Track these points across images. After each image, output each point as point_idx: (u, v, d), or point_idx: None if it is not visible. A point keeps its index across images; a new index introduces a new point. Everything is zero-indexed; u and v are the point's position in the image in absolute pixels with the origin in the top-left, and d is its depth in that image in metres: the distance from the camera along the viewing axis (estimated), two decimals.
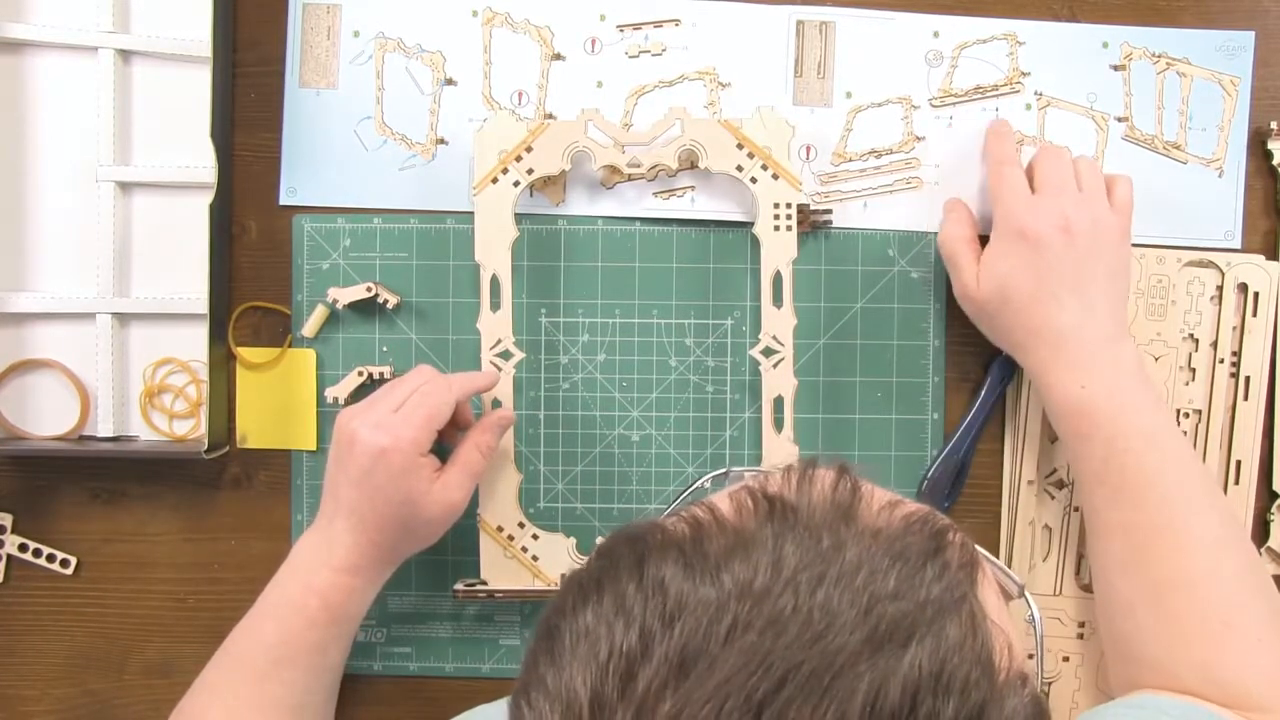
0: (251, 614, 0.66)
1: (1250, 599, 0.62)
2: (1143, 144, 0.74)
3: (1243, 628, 0.60)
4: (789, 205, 0.70)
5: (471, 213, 0.71)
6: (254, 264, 0.74)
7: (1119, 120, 0.73)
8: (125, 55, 0.73)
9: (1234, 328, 0.72)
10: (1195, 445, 0.72)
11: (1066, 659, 0.73)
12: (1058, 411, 0.66)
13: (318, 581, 0.64)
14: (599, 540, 0.40)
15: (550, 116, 0.73)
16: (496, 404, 0.71)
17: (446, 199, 0.74)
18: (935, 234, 0.73)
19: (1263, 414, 0.72)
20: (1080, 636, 0.73)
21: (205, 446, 0.70)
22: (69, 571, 0.74)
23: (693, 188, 0.73)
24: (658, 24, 0.73)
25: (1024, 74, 0.73)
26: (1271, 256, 0.73)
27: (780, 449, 0.71)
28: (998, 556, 0.74)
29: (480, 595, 0.71)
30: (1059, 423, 0.67)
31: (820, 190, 0.74)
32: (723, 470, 0.60)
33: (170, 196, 0.73)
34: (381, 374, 0.73)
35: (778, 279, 0.71)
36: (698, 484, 0.58)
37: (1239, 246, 0.73)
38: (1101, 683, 0.72)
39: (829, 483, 0.40)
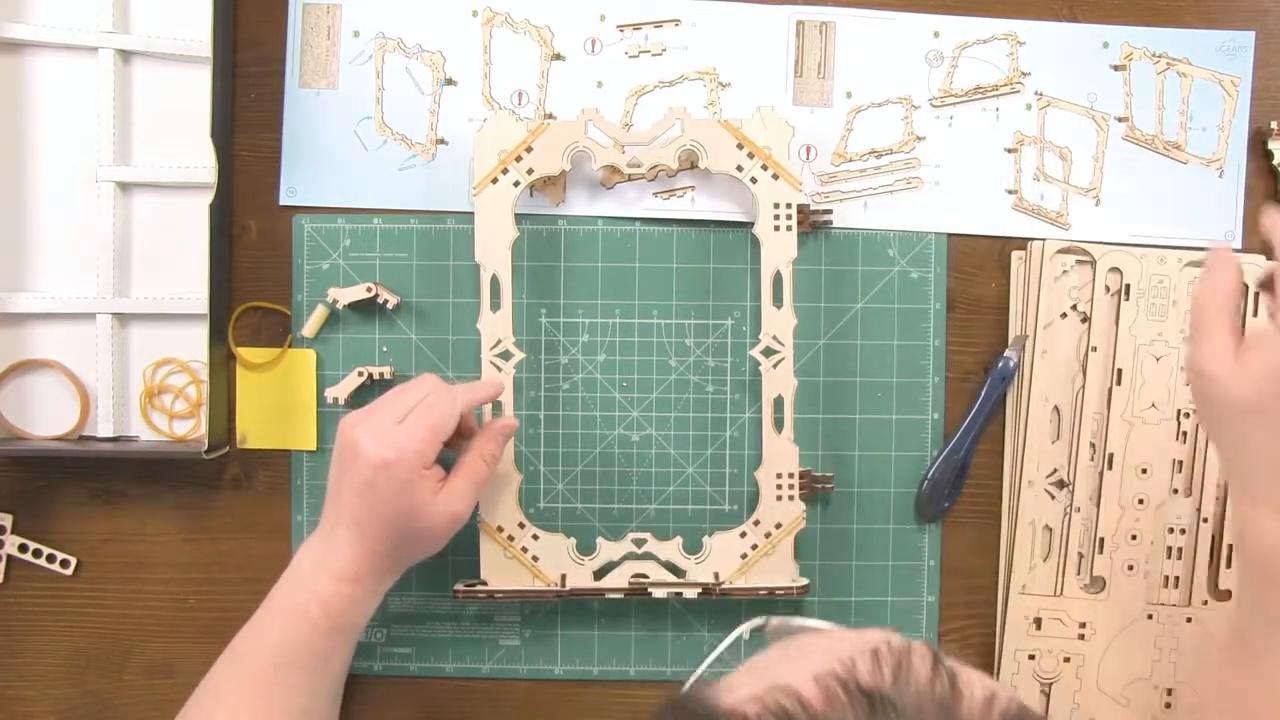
0: (255, 618, 0.66)
1: None
2: (1143, 144, 0.74)
3: None
4: (789, 205, 0.70)
5: (471, 213, 0.71)
6: (254, 264, 0.74)
7: (1119, 120, 0.73)
8: (125, 55, 0.73)
9: None
10: (1195, 446, 0.72)
11: (1067, 659, 0.73)
12: (1265, 551, 0.56)
13: (320, 589, 0.64)
14: (657, 712, 0.39)
15: (550, 116, 0.73)
16: (498, 409, 0.71)
17: (446, 199, 0.74)
18: (935, 234, 0.73)
19: None
20: (1081, 637, 0.73)
21: (205, 447, 0.70)
22: (69, 572, 0.74)
23: (693, 188, 0.73)
24: (658, 24, 0.73)
25: (1024, 74, 0.73)
26: (1271, 257, 0.73)
27: (780, 449, 0.71)
28: (998, 557, 0.74)
29: (480, 595, 0.71)
30: (1257, 563, 0.56)
31: (820, 190, 0.74)
32: (761, 620, 0.57)
33: (170, 196, 0.73)
34: (381, 374, 0.73)
35: (778, 279, 0.71)
36: (736, 633, 0.57)
37: (1239, 247, 0.73)
38: None
39: (925, 674, 0.37)
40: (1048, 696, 0.73)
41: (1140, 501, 0.72)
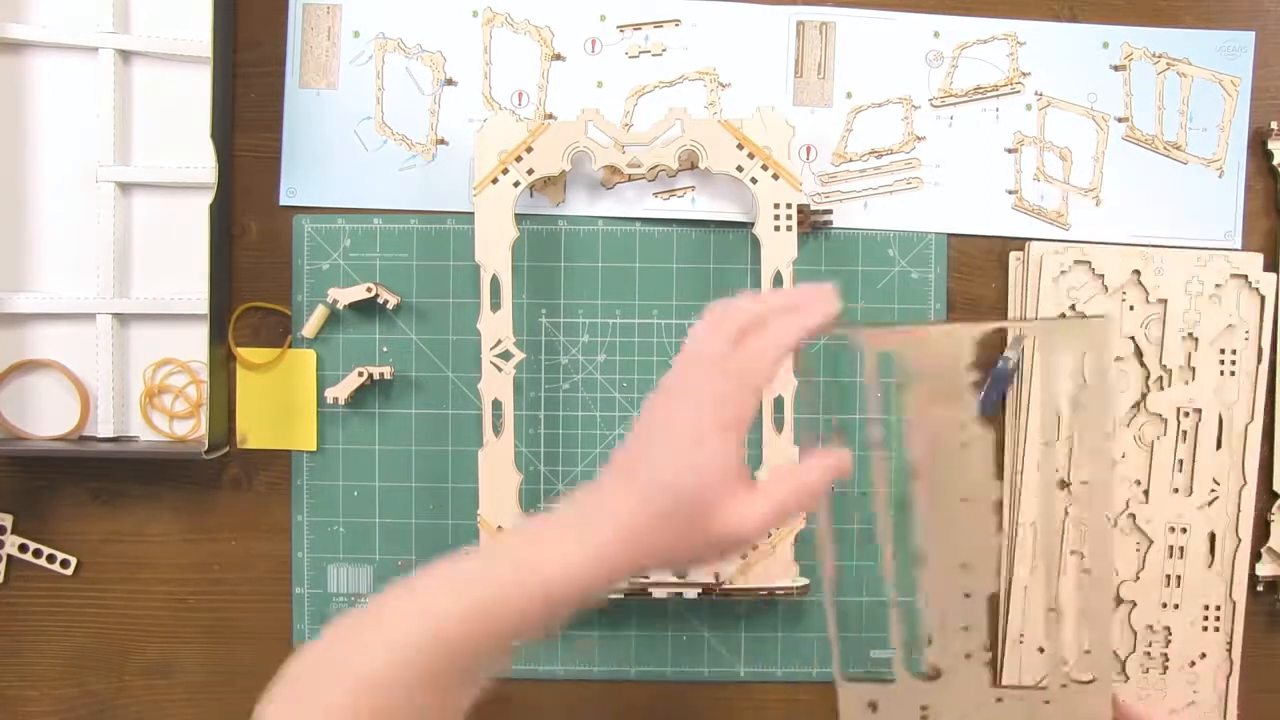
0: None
1: None
2: (1143, 144, 0.74)
3: None
4: (789, 205, 0.70)
5: (471, 213, 0.71)
6: (254, 264, 0.74)
7: (1119, 120, 0.73)
8: (125, 55, 0.73)
9: (1229, 326, 0.72)
10: (1195, 445, 0.72)
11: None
12: None
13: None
14: None
15: (550, 116, 0.73)
16: (499, 411, 0.71)
17: (446, 199, 0.74)
18: (935, 234, 0.73)
19: (1263, 414, 0.72)
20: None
21: (205, 447, 0.70)
22: (69, 572, 0.74)
23: (693, 188, 0.73)
24: (658, 24, 0.73)
25: (1024, 74, 0.73)
26: (1271, 256, 0.73)
27: (780, 449, 0.71)
28: (998, 557, 0.74)
29: None
30: None
31: (820, 190, 0.74)
32: None
33: (170, 196, 0.73)
34: (381, 374, 0.73)
35: (778, 279, 0.71)
36: None
37: (1239, 247, 0.73)
38: None
39: None
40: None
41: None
